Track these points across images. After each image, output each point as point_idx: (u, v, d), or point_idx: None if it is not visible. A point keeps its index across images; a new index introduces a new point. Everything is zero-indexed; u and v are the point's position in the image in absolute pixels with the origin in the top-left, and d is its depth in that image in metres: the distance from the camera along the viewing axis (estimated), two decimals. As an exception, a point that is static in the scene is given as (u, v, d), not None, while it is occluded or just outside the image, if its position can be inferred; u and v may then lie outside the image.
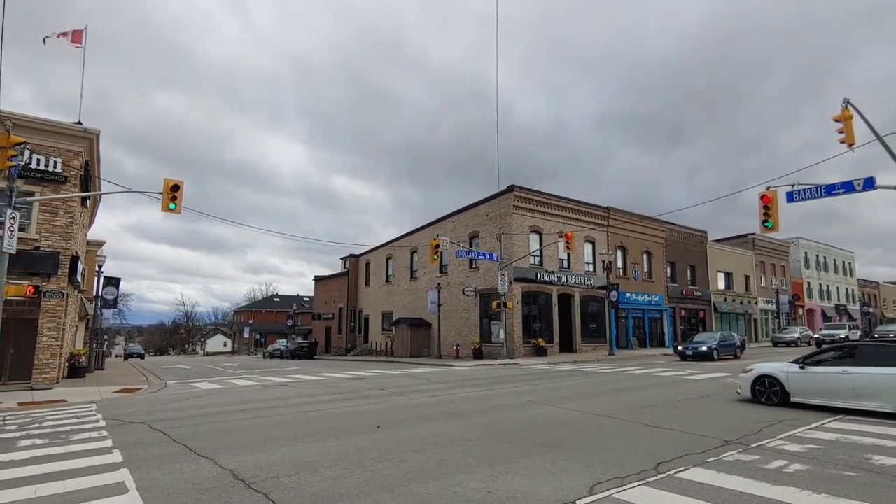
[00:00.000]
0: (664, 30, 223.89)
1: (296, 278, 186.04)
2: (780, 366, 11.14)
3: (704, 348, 25.17)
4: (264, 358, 50.30)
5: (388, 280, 44.86)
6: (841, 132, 13.90)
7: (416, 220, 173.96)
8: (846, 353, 10.32)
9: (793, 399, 10.54)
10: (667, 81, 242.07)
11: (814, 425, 8.60)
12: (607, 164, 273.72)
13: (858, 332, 38.82)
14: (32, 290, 17.59)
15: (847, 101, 14.02)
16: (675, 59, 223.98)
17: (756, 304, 50.18)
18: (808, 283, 58.80)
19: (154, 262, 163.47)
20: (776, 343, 40.64)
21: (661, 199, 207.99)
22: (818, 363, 10.51)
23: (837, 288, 64.20)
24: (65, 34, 19.57)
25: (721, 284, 47.19)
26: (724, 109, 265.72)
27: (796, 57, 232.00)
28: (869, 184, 14.36)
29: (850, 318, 56.76)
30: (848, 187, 14.72)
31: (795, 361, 10.84)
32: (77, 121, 19.58)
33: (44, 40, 18.86)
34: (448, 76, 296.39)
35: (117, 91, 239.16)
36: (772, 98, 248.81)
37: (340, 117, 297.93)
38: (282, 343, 51.30)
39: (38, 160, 18.07)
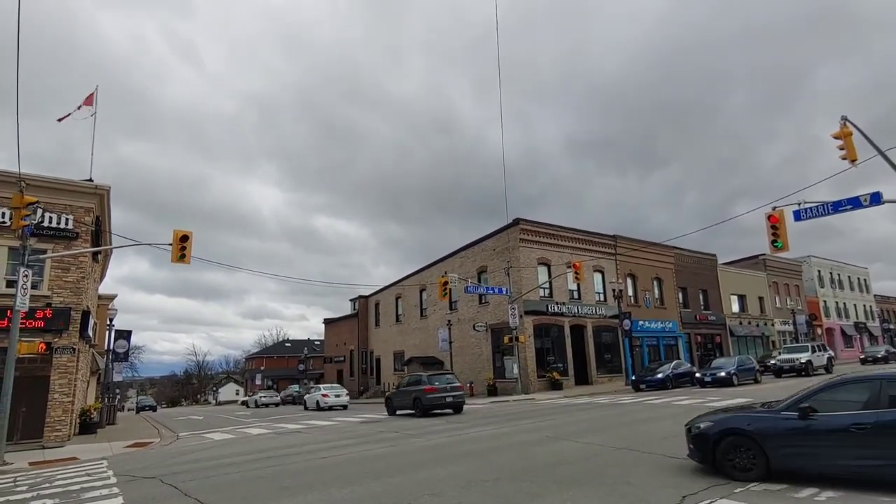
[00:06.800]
0: (607, 51, 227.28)
1: (298, 322, 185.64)
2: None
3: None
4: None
5: (398, 319, 44.64)
6: (841, 149, 13.93)
7: (403, 256, 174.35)
8: None
9: None
10: (623, 102, 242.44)
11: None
12: (587, 190, 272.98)
13: (826, 355, 29.59)
14: (44, 347, 17.68)
15: (845, 118, 14.09)
16: (624, 80, 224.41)
17: (773, 325, 49.27)
18: (824, 301, 57.81)
19: (153, 312, 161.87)
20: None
21: (649, 224, 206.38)
22: None
23: (854, 305, 62.99)
24: (84, 106, 20.00)
25: (735, 307, 46.49)
26: (694, 129, 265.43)
27: (757, 71, 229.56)
28: (876, 198, 14.26)
29: (813, 339, 45.59)
30: (855, 203, 14.62)
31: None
32: (88, 178, 20.04)
33: (64, 118, 19.36)
34: (407, 108, 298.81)
35: (78, 141, 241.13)
36: (740, 114, 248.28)
37: (309, 157, 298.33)
38: (294, 388, 50.67)
39: (50, 218, 18.43)
